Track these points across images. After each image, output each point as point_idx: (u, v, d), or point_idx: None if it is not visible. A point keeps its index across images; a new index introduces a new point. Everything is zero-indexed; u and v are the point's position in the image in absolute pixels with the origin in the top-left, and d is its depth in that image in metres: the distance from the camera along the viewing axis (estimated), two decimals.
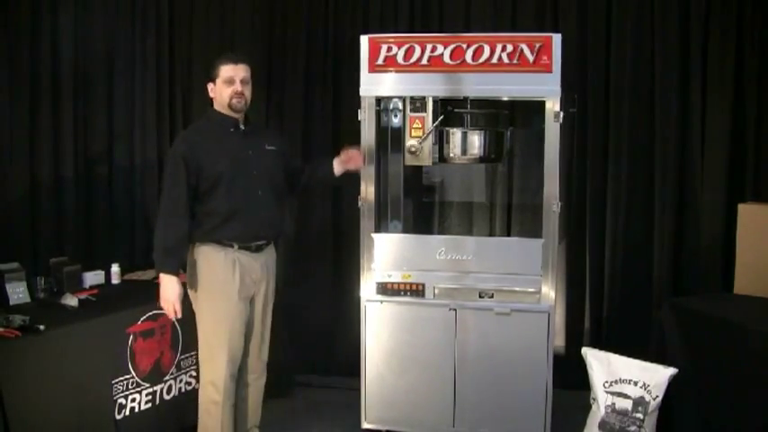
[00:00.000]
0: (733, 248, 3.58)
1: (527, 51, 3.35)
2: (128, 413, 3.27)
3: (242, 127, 3.20)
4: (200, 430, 3.26)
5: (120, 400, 3.23)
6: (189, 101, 4.62)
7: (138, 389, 3.33)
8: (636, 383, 3.26)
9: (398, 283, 3.55)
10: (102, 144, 4.30)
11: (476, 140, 3.61)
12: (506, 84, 3.40)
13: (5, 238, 3.79)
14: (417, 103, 3.46)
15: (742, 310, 3.25)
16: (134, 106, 4.43)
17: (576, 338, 4.22)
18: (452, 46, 3.41)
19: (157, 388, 3.44)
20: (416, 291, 3.54)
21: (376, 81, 3.51)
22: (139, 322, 3.33)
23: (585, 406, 3.45)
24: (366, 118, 3.54)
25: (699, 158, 4.00)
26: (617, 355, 3.37)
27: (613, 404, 3.30)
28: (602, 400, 3.34)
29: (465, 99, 3.56)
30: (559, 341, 4.19)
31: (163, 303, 3.10)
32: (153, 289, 3.53)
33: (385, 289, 3.57)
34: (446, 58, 3.42)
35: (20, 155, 3.89)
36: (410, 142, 3.48)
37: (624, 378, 3.30)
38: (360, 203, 3.59)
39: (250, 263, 3.18)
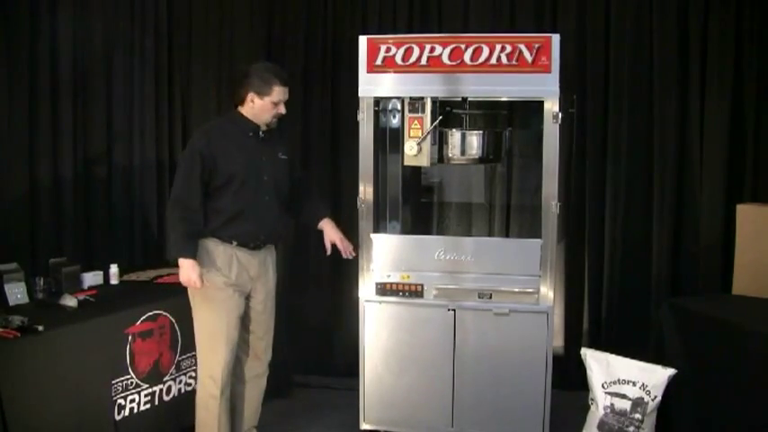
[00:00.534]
0: (732, 249, 3.59)
1: (526, 52, 3.35)
2: (127, 414, 3.27)
3: (261, 134, 3.24)
4: (198, 425, 3.28)
5: (119, 401, 3.23)
6: (188, 101, 4.62)
7: (138, 389, 3.33)
8: (635, 384, 3.26)
9: (397, 284, 3.56)
10: (102, 145, 4.30)
11: (474, 141, 3.61)
12: (505, 84, 3.40)
13: (4, 238, 3.78)
14: (416, 104, 3.46)
15: (741, 311, 3.26)
16: (133, 107, 4.43)
17: (574, 339, 4.22)
18: (451, 46, 3.41)
19: (157, 389, 3.44)
20: (415, 291, 3.54)
21: (374, 82, 3.51)
22: (138, 323, 3.33)
23: (584, 406, 3.45)
24: (365, 118, 3.54)
25: (697, 159, 4.00)
26: (616, 356, 3.37)
27: (612, 405, 3.30)
28: (600, 401, 3.34)
29: (464, 100, 3.56)
30: (558, 341, 4.19)
31: (184, 281, 3.11)
32: (152, 289, 3.54)
33: (384, 289, 3.57)
34: (445, 59, 3.43)
35: (19, 155, 3.88)
36: (409, 143, 3.47)
37: (623, 378, 3.30)
38: (359, 204, 3.60)
39: (248, 259, 3.22)
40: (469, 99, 3.56)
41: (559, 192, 3.43)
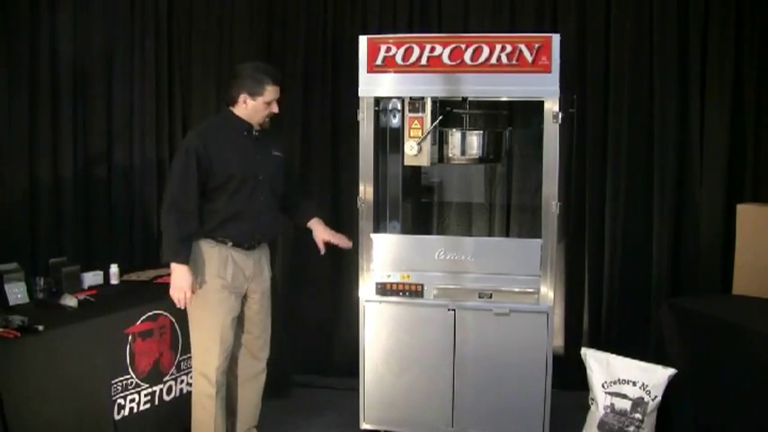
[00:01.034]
0: (732, 249, 3.59)
1: (526, 52, 3.35)
2: (127, 414, 3.27)
3: (255, 133, 3.23)
4: (194, 424, 3.29)
5: (119, 401, 3.23)
6: (188, 101, 4.62)
7: (138, 389, 3.33)
8: (635, 384, 3.26)
9: (397, 284, 3.56)
10: (102, 145, 4.30)
11: (475, 141, 3.61)
12: (505, 84, 3.40)
13: (4, 238, 3.78)
14: (416, 104, 3.46)
15: (741, 311, 3.25)
16: (133, 107, 4.43)
17: (574, 339, 4.22)
18: (451, 46, 3.41)
19: (157, 389, 3.43)
20: (415, 291, 3.54)
21: (375, 81, 3.51)
22: (138, 323, 3.33)
23: (584, 406, 3.45)
24: (365, 118, 3.54)
25: (698, 159, 4.00)
26: (616, 356, 3.37)
27: (612, 404, 3.30)
28: (600, 401, 3.34)
29: (464, 99, 3.56)
30: (558, 341, 4.18)
31: (174, 292, 3.11)
32: (152, 289, 3.54)
33: (384, 289, 3.57)
34: (445, 59, 3.43)
35: (19, 155, 3.88)
36: (409, 143, 3.47)
37: (623, 378, 3.30)
38: (359, 204, 3.60)
39: (243, 259, 3.22)
40: (470, 99, 3.56)
41: (559, 192, 3.43)
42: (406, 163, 3.57)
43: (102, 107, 4.30)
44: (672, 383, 3.21)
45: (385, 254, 3.57)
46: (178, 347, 3.53)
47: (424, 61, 3.45)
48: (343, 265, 4.41)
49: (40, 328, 2.89)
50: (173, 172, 3.14)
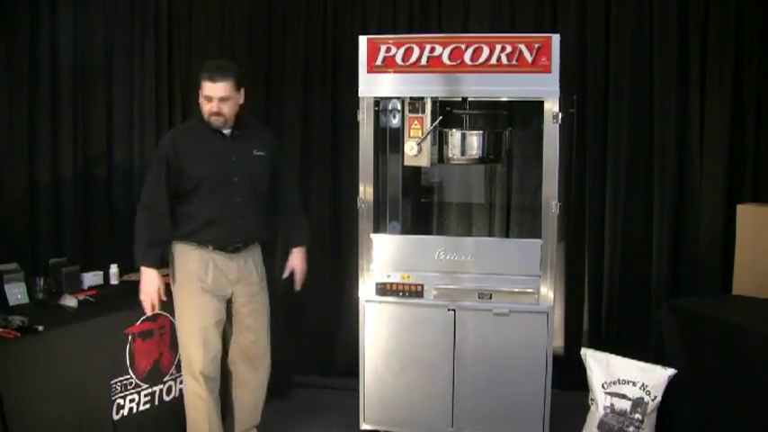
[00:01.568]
0: (732, 249, 3.58)
1: (526, 52, 3.35)
2: (126, 414, 3.28)
3: (227, 132, 3.19)
4: (189, 424, 3.30)
5: (118, 401, 3.23)
6: (188, 102, 4.60)
7: (137, 390, 3.33)
8: (635, 384, 3.26)
9: (397, 284, 3.56)
10: (101, 145, 4.30)
11: (474, 141, 3.61)
12: (505, 84, 3.40)
13: (4, 238, 3.78)
14: (416, 104, 3.46)
15: (741, 311, 3.25)
16: (133, 107, 4.42)
17: (574, 339, 4.22)
18: (451, 47, 3.41)
19: (156, 389, 3.44)
20: (415, 291, 3.54)
21: (375, 82, 3.51)
22: (138, 323, 3.34)
23: (584, 407, 3.45)
24: (365, 119, 3.54)
25: (698, 159, 4.00)
26: (616, 356, 3.37)
27: (612, 405, 3.30)
28: (600, 401, 3.34)
29: (464, 100, 3.56)
30: (558, 342, 4.18)
31: (143, 296, 3.16)
32: None
33: (384, 289, 3.57)
34: (445, 59, 3.43)
35: (18, 155, 3.88)
36: (409, 143, 3.47)
37: (623, 379, 3.30)
38: (359, 204, 3.59)
39: (226, 263, 3.21)
40: (469, 99, 3.56)
41: (559, 192, 3.43)
42: (406, 163, 3.57)
43: (102, 107, 4.29)
44: (672, 384, 3.21)
45: (385, 254, 3.57)
46: (178, 348, 3.52)
47: (424, 61, 3.45)
48: (343, 266, 4.41)
49: (40, 328, 2.89)
50: (147, 175, 3.20)
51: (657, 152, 4.05)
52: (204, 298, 3.18)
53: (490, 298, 3.48)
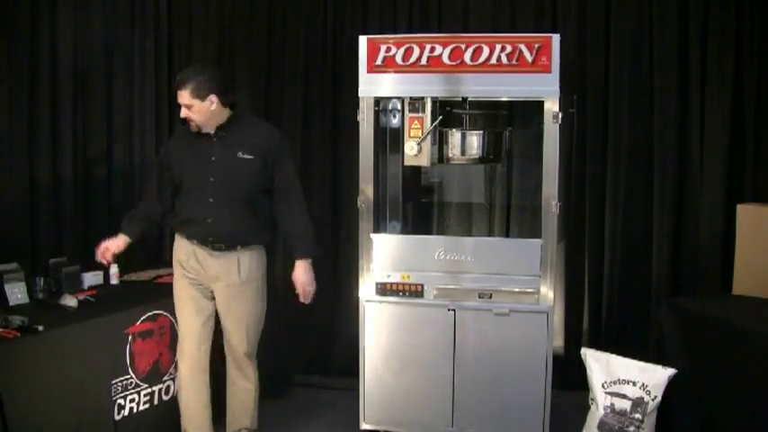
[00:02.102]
0: (732, 249, 3.58)
1: (526, 52, 3.35)
2: (126, 414, 3.28)
3: (215, 133, 3.21)
4: (180, 405, 3.39)
5: (118, 401, 3.23)
6: None
7: (137, 389, 3.33)
8: (635, 384, 3.26)
9: (397, 284, 3.56)
10: (101, 144, 4.30)
11: (475, 141, 3.61)
12: (505, 84, 3.40)
13: (4, 238, 3.78)
14: (416, 104, 3.46)
15: (741, 311, 3.25)
16: (133, 107, 4.43)
17: (574, 339, 4.22)
18: (451, 46, 3.41)
19: (156, 389, 3.44)
20: (415, 291, 3.54)
21: (375, 82, 3.51)
22: (138, 323, 3.34)
23: (584, 406, 3.45)
24: (365, 118, 3.54)
25: (698, 159, 4.00)
26: (616, 356, 3.37)
27: (612, 405, 3.30)
28: (600, 401, 3.34)
29: (464, 100, 3.56)
30: (558, 341, 4.18)
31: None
32: (152, 289, 3.55)
33: (384, 289, 3.57)
34: (445, 59, 3.43)
35: (19, 155, 3.88)
36: (409, 143, 3.47)
37: (623, 378, 3.30)
38: (359, 204, 3.59)
39: (205, 257, 3.25)
40: (469, 99, 3.56)
41: (559, 192, 3.43)
42: (406, 163, 3.57)
43: (102, 107, 4.30)
44: (672, 383, 3.21)
45: (385, 254, 3.57)
46: (177, 347, 3.52)
47: (424, 61, 3.45)
48: (343, 266, 4.41)
49: (40, 328, 2.89)
50: None
51: (657, 152, 4.05)
52: (184, 282, 3.30)
53: (490, 298, 3.48)
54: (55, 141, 4.04)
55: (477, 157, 3.64)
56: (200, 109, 3.12)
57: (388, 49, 3.48)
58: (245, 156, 3.19)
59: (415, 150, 3.47)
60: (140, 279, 3.87)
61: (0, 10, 3.78)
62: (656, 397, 3.22)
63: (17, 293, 3.31)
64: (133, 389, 3.31)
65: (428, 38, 3.50)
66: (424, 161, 3.52)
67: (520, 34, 3.48)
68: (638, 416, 3.24)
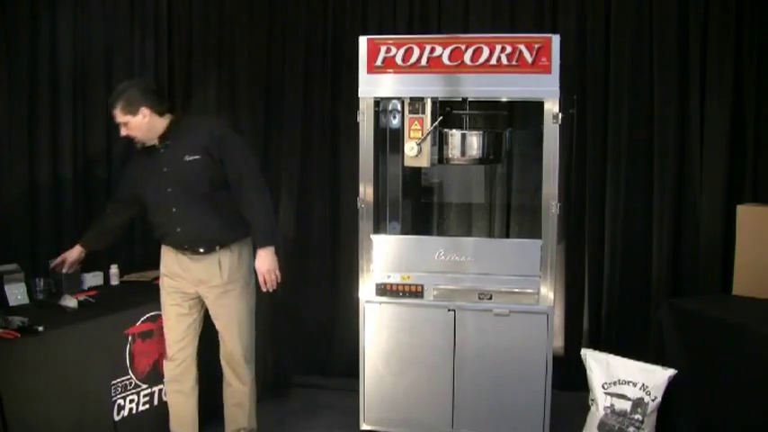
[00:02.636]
0: (732, 250, 3.59)
1: (526, 52, 3.35)
2: (126, 414, 3.27)
3: (158, 145, 3.20)
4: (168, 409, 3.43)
5: (118, 402, 3.23)
6: (188, 102, 4.61)
7: (137, 390, 3.33)
8: (635, 384, 3.26)
9: (397, 285, 3.56)
10: (101, 145, 4.29)
11: (474, 142, 3.61)
12: (505, 85, 3.40)
13: (4, 239, 3.78)
14: (416, 105, 3.46)
15: (741, 312, 3.26)
16: None
17: (574, 339, 4.22)
18: (451, 47, 3.41)
19: (156, 389, 3.44)
20: (415, 292, 3.54)
21: (375, 82, 3.51)
22: (138, 323, 3.34)
23: (584, 407, 3.45)
24: (365, 119, 3.54)
25: (698, 159, 4.00)
26: (616, 357, 3.37)
27: (612, 405, 3.30)
28: (600, 402, 3.34)
29: (464, 100, 3.56)
30: (558, 342, 4.19)
31: None
32: (152, 290, 3.54)
33: (384, 290, 3.57)
34: (445, 60, 3.43)
35: (18, 155, 3.88)
36: (409, 144, 3.47)
37: (623, 379, 3.30)
38: (359, 204, 3.59)
39: (188, 263, 3.25)
40: (469, 99, 3.55)
41: (559, 192, 3.44)
42: (406, 164, 3.57)
43: (102, 107, 4.27)
44: (672, 384, 3.21)
45: (385, 254, 3.57)
46: None
47: (424, 62, 3.45)
48: (343, 266, 4.41)
49: (40, 328, 2.89)
50: None
51: (657, 152, 4.05)
52: (168, 290, 3.31)
53: (490, 298, 3.48)
54: (54, 142, 4.03)
55: (477, 157, 3.64)
56: (136, 124, 3.13)
57: (388, 50, 3.47)
58: (192, 157, 3.13)
59: (414, 151, 3.47)
60: (140, 279, 3.87)
61: (0, 10, 3.78)
62: (656, 397, 3.22)
63: (17, 294, 3.31)
64: (133, 389, 3.31)
65: (428, 38, 3.50)
66: (423, 162, 3.52)
67: (520, 35, 3.48)
68: (638, 416, 3.24)
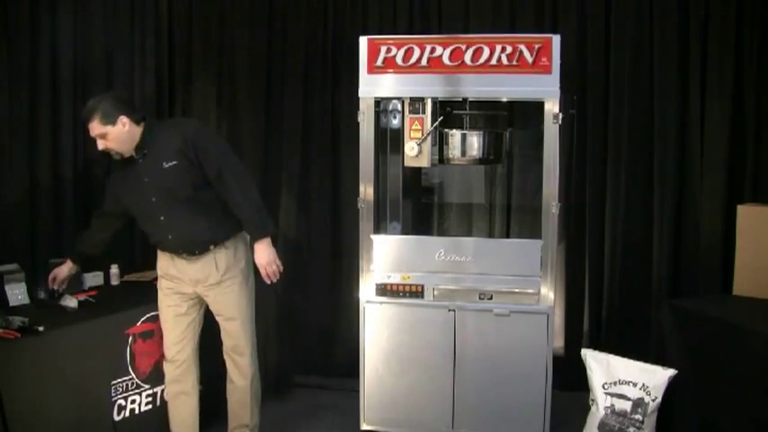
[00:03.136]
0: (732, 250, 3.59)
1: (526, 52, 3.35)
2: (127, 415, 3.27)
3: (136, 155, 3.16)
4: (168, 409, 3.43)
5: (119, 402, 3.23)
6: (188, 102, 4.62)
7: (138, 390, 3.33)
8: (635, 385, 3.26)
9: (398, 285, 3.56)
10: None
11: (475, 142, 3.61)
12: (505, 85, 3.40)
13: (5, 239, 3.78)
14: (416, 105, 3.46)
15: (741, 312, 3.26)
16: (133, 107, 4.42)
17: (575, 339, 4.22)
18: (452, 47, 3.42)
19: (157, 389, 3.43)
20: (416, 292, 3.54)
21: (375, 82, 3.51)
22: (139, 323, 3.33)
23: (585, 407, 3.45)
24: (365, 119, 3.54)
25: (698, 160, 4.00)
26: (616, 357, 3.37)
27: (612, 405, 3.30)
28: (601, 402, 3.34)
29: (464, 100, 3.56)
30: (558, 342, 4.19)
31: None
32: (152, 290, 3.54)
33: (384, 290, 3.57)
34: (445, 60, 3.43)
35: (19, 156, 3.88)
36: (409, 144, 3.47)
37: (623, 379, 3.30)
38: (359, 204, 3.59)
39: (185, 265, 3.24)
40: (470, 99, 3.56)
41: (559, 192, 3.44)
42: (407, 164, 3.57)
43: None
44: (672, 384, 3.22)
45: (385, 255, 3.57)
46: None
47: (424, 62, 3.45)
48: (344, 266, 4.41)
49: (41, 328, 2.89)
50: None
51: (657, 152, 4.05)
52: (165, 292, 3.31)
53: (490, 298, 3.48)
54: (55, 142, 4.04)
55: (477, 157, 3.64)
56: (116, 134, 3.07)
57: (389, 50, 3.48)
58: (170, 163, 3.09)
59: (415, 151, 3.47)
60: (141, 279, 3.87)
61: (0, 10, 3.78)
62: (656, 398, 3.22)
63: (18, 294, 3.31)
64: (134, 390, 3.30)
65: (428, 38, 3.50)
66: (424, 162, 3.52)
67: (520, 35, 3.49)
68: (638, 416, 3.24)
